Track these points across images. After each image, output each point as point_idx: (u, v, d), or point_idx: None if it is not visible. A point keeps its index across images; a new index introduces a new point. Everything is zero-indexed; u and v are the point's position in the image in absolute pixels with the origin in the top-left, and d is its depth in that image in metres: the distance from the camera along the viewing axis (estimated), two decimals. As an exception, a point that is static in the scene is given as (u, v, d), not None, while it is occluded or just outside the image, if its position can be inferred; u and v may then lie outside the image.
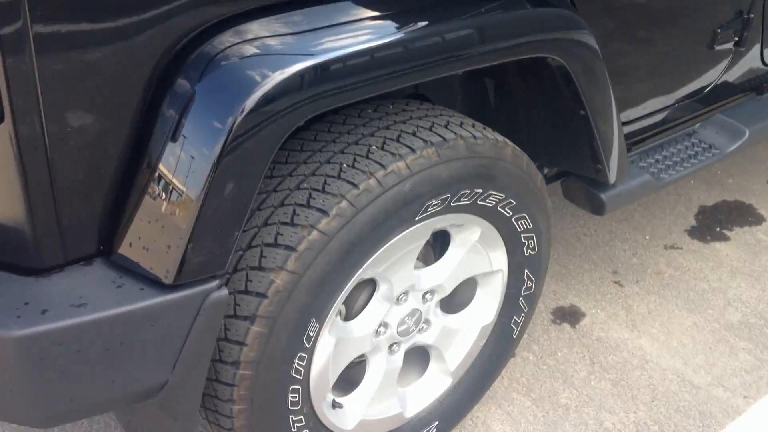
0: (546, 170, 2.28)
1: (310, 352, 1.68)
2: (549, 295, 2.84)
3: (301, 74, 1.34)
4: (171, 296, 1.33)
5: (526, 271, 2.07)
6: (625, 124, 2.23)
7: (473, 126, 1.81)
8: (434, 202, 1.71)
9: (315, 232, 1.56)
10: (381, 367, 1.95)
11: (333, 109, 1.69)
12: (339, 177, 1.61)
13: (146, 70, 1.30)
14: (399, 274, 1.82)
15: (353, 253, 1.62)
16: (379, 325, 1.87)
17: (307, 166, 1.66)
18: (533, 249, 2.04)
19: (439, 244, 1.99)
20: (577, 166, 2.15)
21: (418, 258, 1.98)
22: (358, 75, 1.44)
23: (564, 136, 2.08)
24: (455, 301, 2.10)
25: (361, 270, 1.68)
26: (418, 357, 2.12)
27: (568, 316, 2.76)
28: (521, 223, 1.95)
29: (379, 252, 1.69)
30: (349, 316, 1.86)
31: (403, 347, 1.99)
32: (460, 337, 2.10)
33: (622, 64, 2.12)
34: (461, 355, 2.12)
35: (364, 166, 1.62)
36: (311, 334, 1.64)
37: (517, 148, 1.88)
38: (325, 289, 1.61)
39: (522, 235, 1.98)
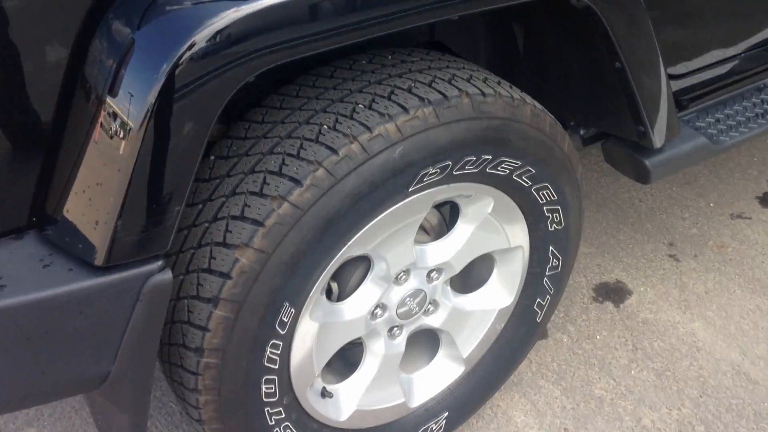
0: (583, 131, 2.04)
1: (287, 338, 1.52)
2: (592, 269, 2.62)
3: (244, 18, 1.16)
4: (102, 279, 1.19)
5: (551, 248, 1.86)
6: (675, 78, 1.97)
7: (485, 81, 1.59)
8: (431, 170, 1.51)
9: (286, 205, 1.39)
10: (379, 352, 1.79)
11: (321, 57, 1.52)
12: (317, 141, 1.43)
13: (74, 19, 1.14)
14: (395, 251, 1.65)
15: (332, 229, 1.45)
16: (376, 307, 1.71)
17: (284, 126, 1.49)
18: (559, 223, 1.82)
19: (450, 215, 1.80)
20: (617, 127, 1.91)
21: (426, 231, 1.80)
22: (320, 21, 1.24)
23: (600, 93, 1.84)
24: (470, 280, 1.92)
25: (344, 248, 1.51)
26: (428, 341, 1.95)
27: (612, 293, 2.54)
28: (543, 194, 1.74)
29: (365, 228, 1.51)
30: (342, 295, 1.69)
31: (406, 331, 1.82)
32: (475, 320, 1.93)
33: (673, 3, 1.85)
34: (475, 341, 1.94)
35: (347, 128, 1.43)
36: (285, 320, 1.48)
37: (538, 106, 1.66)
38: (300, 270, 1.45)
39: (545, 208, 1.77)
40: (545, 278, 1.92)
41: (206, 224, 1.45)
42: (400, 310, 1.76)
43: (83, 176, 1.19)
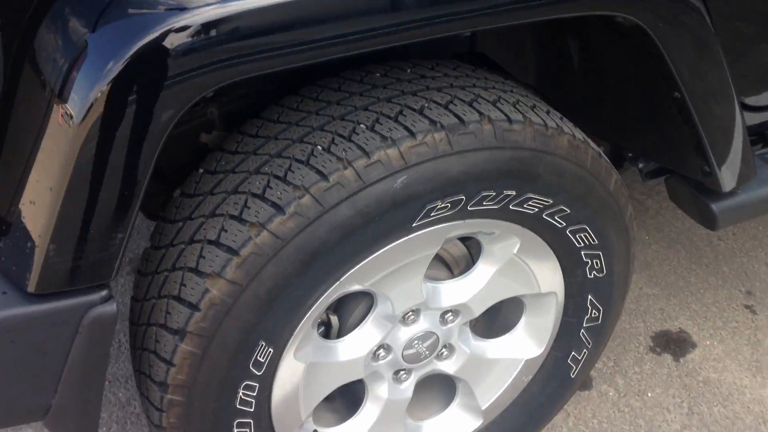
0: (642, 164, 1.82)
1: (264, 379, 1.38)
2: (654, 313, 2.38)
3: (203, 24, 1.01)
4: (35, 308, 1.08)
5: (589, 297, 1.66)
6: (752, 109, 1.72)
7: (515, 104, 1.41)
8: (440, 205, 1.34)
9: (265, 233, 1.25)
10: (382, 396, 1.63)
11: (334, 67, 1.37)
12: (307, 163, 1.28)
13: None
14: (400, 289, 1.48)
15: (319, 263, 1.30)
16: (378, 347, 1.55)
17: (275, 143, 1.35)
18: (600, 270, 1.62)
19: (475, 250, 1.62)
20: (679, 164, 1.68)
21: (448, 265, 1.62)
22: (297, 30, 1.09)
23: (660, 123, 1.62)
24: (497, 322, 1.74)
25: (335, 284, 1.36)
26: (443, 385, 1.77)
27: (673, 344, 2.29)
28: (580, 237, 1.54)
29: (360, 264, 1.35)
30: (343, 331, 1.54)
31: (415, 375, 1.65)
32: (498, 369, 1.74)
33: (751, 21, 1.60)
34: (496, 392, 1.76)
35: (342, 151, 1.28)
36: (261, 360, 1.34)
37: (578, 137, 1.46)
38: (279, 306, 1.31)
39: (582, 252, 1.57)
40: (582, 330, 1.72)
41: (182, 246, 1.33)
42: (407, 353, 1.59)
43: (20, 191, 1.08)
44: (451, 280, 1.57)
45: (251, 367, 1.35)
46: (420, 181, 1.30)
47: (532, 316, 1.69)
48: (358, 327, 1.53)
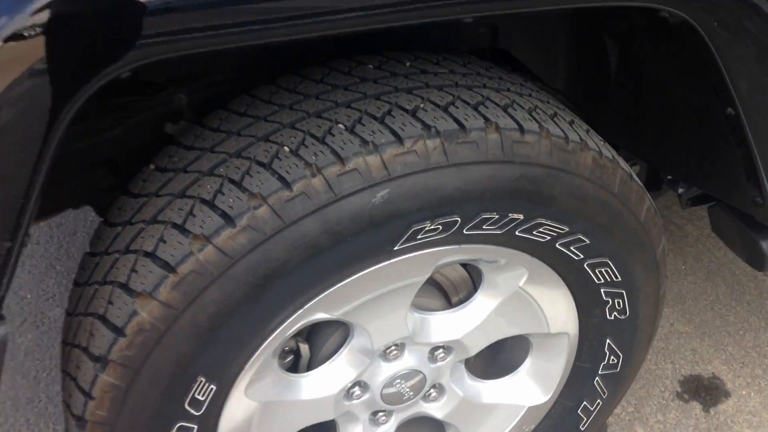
0: (682, 189, 1.56)
1: (205, 421, 1.17)
2: (685, 354, 2.12)
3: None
4: None
5: (608, 341, 1.43)
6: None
7: (531, 111, 1.17)
8: (428, 226, 1.11)
9: (209, 248, 1.03)
10: (357, 439, 1.40)
11: (323, 53, 1.15)
12: (269, 166, 1.06)
13: None
14: (381, 321, 1.26)
15: (274, 289, 1.08)
16: (353, 385, 1.32)
17: (237, 140, 1.12)
18: (622, 311, 1.38)
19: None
20: (726, 192, 1.43)
21: (446, 292, 1.39)
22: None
23: (707, 143, 1.36)
24: (498, 361, 1.50)
25: (298, 312, 1.13)
26: (431, 428, 1.54)
27: (704, 392, 2.03)
28: (601, 272, 1.30)
29: (327, 291, 1.13)
30: (314, 362, 1.32)
31: (396, 418, 1.43)
32: (495, 416, 1.53)
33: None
34: (492, 442, 1.52)
35: (312, 155, 1.05)
36: (200, 398, 1.13)
37: (607, 155, 1.22)
38: (224, 337, 1.09)
39: (602, 290, 1.33)
40: (597, 378, 1.48)
41: (117, 255, 1.11)
42: (387, 392, 1.37)
43: None
44: (444, 312, 1.34)
45: (187, 407, 1.13)
46: (405, 197, 1.08)
47: (539, 358, 1.46)
48: (329, 361, 1.30)
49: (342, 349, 1.30)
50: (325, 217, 1.05)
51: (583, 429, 1.55)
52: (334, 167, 1.05)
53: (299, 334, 1.33)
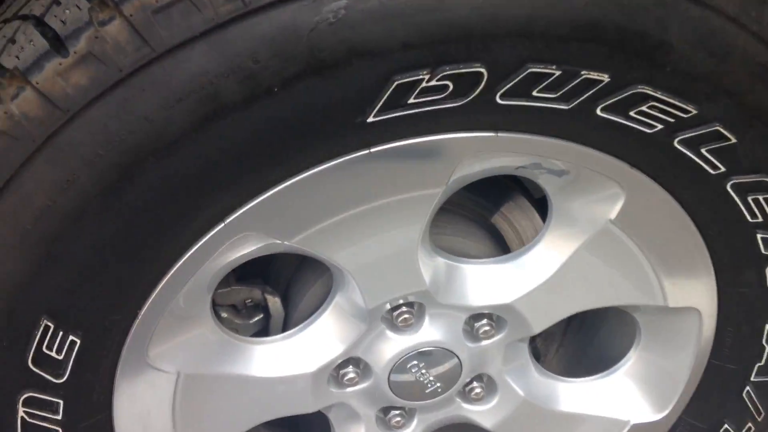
0: None
1: (73, 393, 0.75)
2: None
3: None
4: None
5: (767, 328, 0.91)
6: None
7: None
8: (425, 79, 0.64)
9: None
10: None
11: None
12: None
13: None
14: (371, 264, 0.85)
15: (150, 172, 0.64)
16: (344, 363, 0.94)
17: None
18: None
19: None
20: None
21: (501, 235, 0.97)
22: None
23: None
24: (590, 352, 1.09)
25: (215, 231, 0.71)
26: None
27: None
28: (757, 202, 0.85)
29: (262, 197, 0.70)
30: (288, 326, 0.96)
31: (420, 422, 0.99)
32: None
33: None
34: (573, 471, 1.05)
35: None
36: (54, 355, 0.72)
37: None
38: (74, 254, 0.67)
39: (758, 236, 0.88)
40: (748, 387, 1.00)
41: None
42: (398, 378, 0.97)
43: None
44: (485, 260, 0.87)
45: (33, 367, 0.71)
46: (380, 19, 0.61)
47: (651, 351, 1.06)
48: (304, 323, 0.87)
49: (324, 306, 0.86)
50: (230, 45, 0.60)
51: (724, 469, 1.03)
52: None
53: (269, 284, 0.92)
